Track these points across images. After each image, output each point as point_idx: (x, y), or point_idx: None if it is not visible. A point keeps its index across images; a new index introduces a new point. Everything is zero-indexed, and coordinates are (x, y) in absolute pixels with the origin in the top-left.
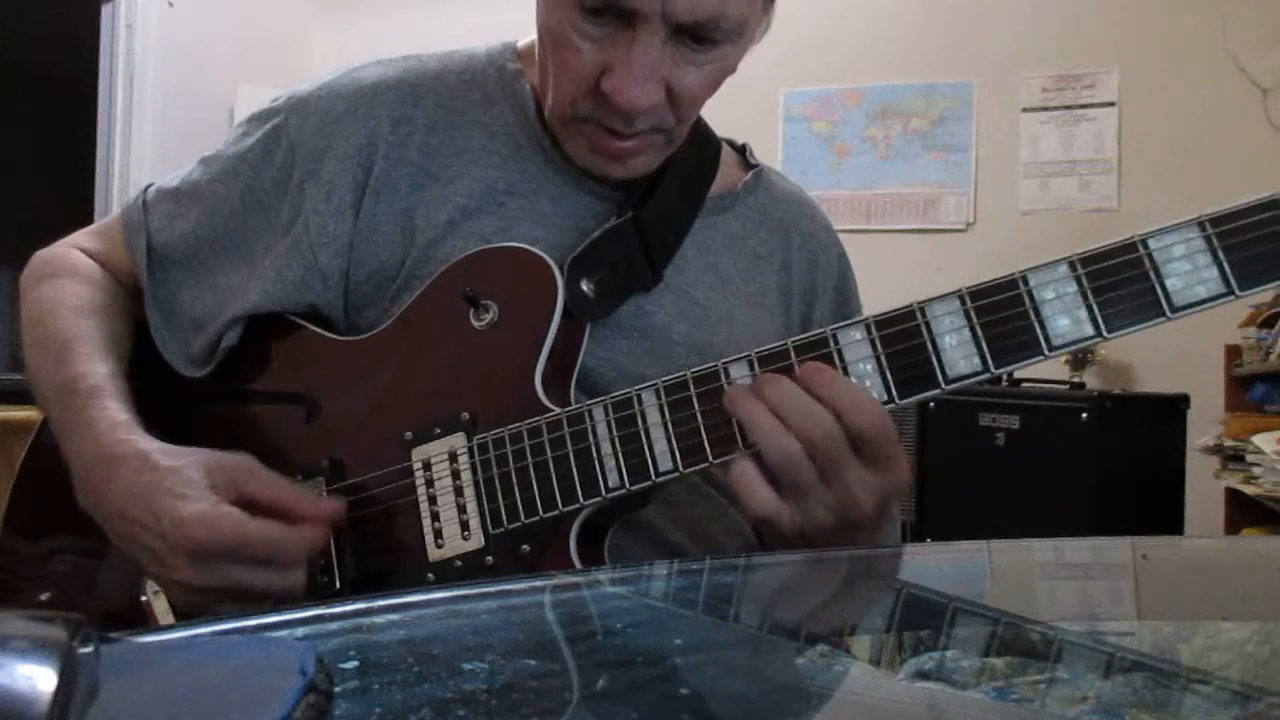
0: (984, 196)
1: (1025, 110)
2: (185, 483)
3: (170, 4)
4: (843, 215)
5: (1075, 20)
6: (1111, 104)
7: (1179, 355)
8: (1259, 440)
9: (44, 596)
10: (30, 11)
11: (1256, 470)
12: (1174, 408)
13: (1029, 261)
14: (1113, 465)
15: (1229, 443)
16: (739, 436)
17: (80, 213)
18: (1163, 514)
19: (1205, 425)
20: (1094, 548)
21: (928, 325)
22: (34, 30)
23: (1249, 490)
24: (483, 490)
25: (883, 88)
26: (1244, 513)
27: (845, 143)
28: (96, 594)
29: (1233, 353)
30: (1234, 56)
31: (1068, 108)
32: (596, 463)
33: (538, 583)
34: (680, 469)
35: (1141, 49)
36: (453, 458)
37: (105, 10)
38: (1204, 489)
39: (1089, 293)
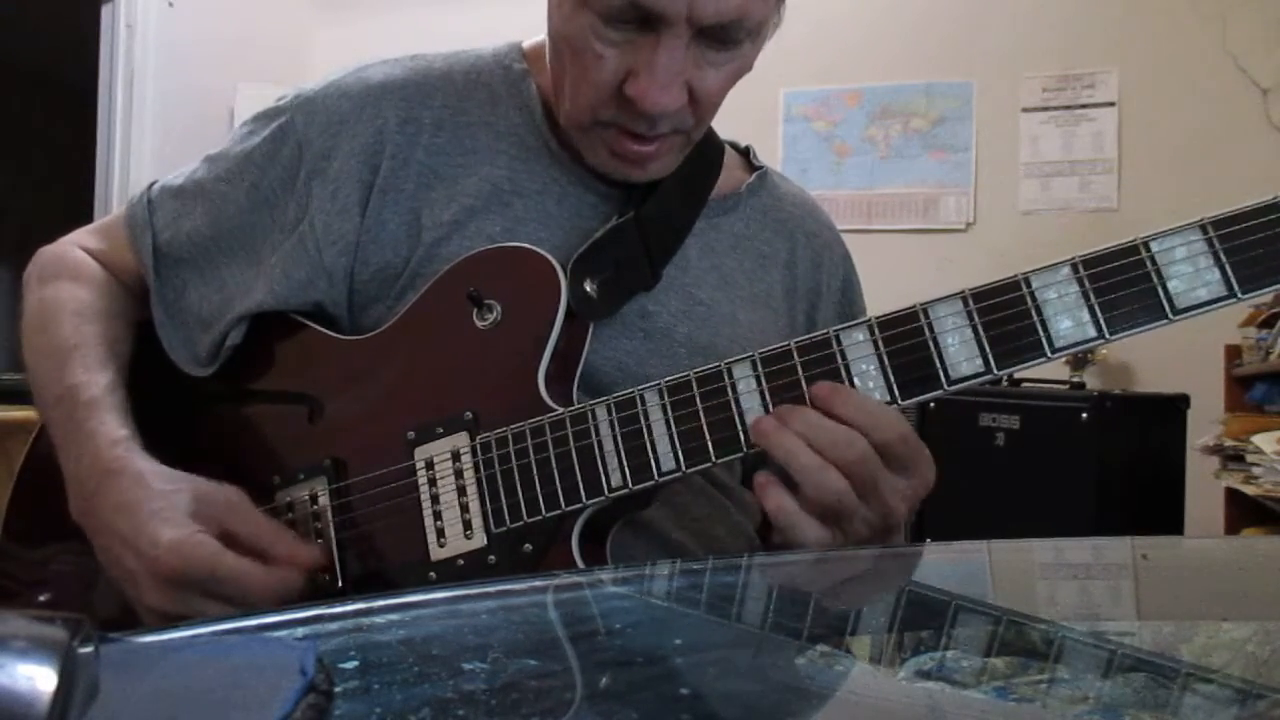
0: (984, 196)
1: (1025, 110)
2: (170, 507)
3: (170, 4)
4: (843, 215)
5: (1075, 20)
6: (1111, 104)
7: (1179, 355)
8: (1259, 440)
9: (42, 598)
10: (30, 11)
11: (1256, 470)
12: (1174, 408)
13: (1029, 261)
14: (1113, 465)
15: (1229, 443)
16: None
17: (80, 213)
18: (1163, 514)
19: (1205, 425)
20: (1094, 548)
21: (930, 326)
22: (34, 30)
23: (1249, 490)
24: (485, 489)
25: (883, 88)
26: (1244, 513)
27: (845, 143)
28: (97, 595)
29: (1233, 353)
30: (1234, 56)
31: (1068, 108)
32: (599, 462)
33: (538, 582)
34: (683, 469)
35: (1141, 49)
36: (455, 457)
37: (105, 10)
38: (1204, 489)
39: (1091, 294)
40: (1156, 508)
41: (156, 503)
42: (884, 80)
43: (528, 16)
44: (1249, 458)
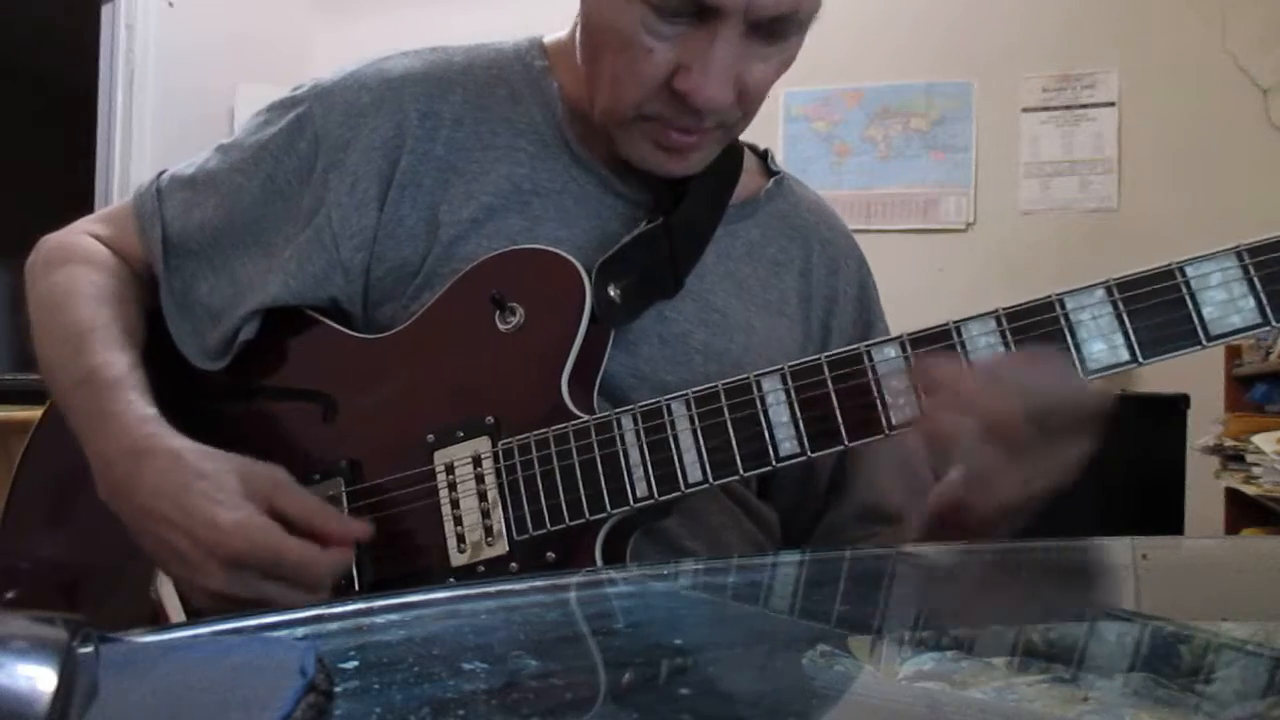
0: (984, 196)
1: (1025, 110)
2: (220, 488)
3: (170, 4)
4: (843, 215)
5: (1075, 20)
6: (1111, 104)
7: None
8: (1259, 440)
9: (17, 595)
10: (30, 11)
11: (1256, 470)
12: (1174, 408)
13: (1029, 262)
14: (1113, 465)
15: (1229, 443)
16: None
17: (80, 213)
18: (1163, 514)
19: (1205, 425)
20: (1094, 548)
21: (963, 345)
22: (34, 30)
23: (1249, 490)
24: (508, 496)
25: (883, 88)
26: (1244, 513)
27: (845, 143)
28: (96, 593)
29: (1233, 353)
30: (1234, 56)
31: (1068, 108)
32: (625, 472)
33: (538, 582)
34: (710, 481)
35: (1141, 49)
36: (477, 462)
37: (105, 10)
38: (1204, 489)
39: (1126, 318)
40: (1156, 508)
41: (204, 483)
42: (884, 80)
43: (530, 17)
44: (1249, 458)
